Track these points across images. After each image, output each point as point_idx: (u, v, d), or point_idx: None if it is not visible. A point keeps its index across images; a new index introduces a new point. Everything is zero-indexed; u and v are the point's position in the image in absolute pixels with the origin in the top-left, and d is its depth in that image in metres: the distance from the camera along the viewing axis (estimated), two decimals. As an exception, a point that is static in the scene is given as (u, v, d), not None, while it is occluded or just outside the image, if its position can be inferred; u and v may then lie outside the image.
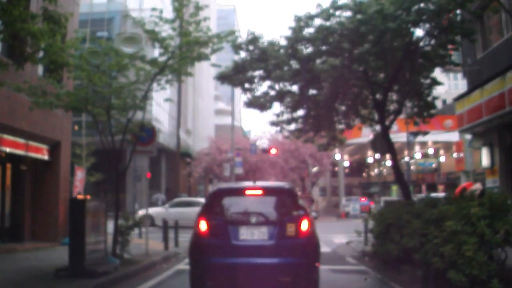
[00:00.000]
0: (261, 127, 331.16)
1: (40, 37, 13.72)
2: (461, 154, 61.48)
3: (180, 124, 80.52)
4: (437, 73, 25.16)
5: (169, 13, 19.15)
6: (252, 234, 11.56)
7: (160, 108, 68.42)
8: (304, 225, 11.69)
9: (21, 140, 23.08)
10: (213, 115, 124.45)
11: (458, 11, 20.34)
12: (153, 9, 18.15)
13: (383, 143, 23.34)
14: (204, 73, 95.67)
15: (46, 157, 25.22)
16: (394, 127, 23.09)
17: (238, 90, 35.83)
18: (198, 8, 18.45)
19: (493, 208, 11.45)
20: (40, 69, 22.91)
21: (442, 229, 11.81)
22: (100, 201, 17.38)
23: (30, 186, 24.90)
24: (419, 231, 13.39)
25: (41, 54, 16.45)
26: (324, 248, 19.34)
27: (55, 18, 13.32)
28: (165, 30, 18.35)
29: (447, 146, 71.15)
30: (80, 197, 22.38)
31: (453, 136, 60.89)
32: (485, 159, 25.70)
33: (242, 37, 22.74)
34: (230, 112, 70.49)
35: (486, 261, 10.81)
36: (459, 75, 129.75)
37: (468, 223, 11.24)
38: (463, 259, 10.89)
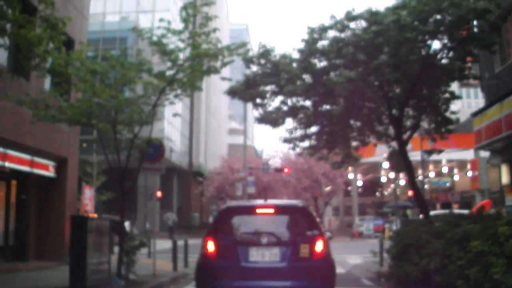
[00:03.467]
0: (273, 146, 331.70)
1: (37, 43, 13.11)
2: (476, 173, 60.92)
3: (193, 143, 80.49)
4: (454, 90, 24.50)
5: (179, 25, 18.56)
6: (263, 256, 10.89)
7: (172, 127, 68.43)
8: (319, 246, 11.02)
9: (26, 156, 22.48)
10: (226, 134, 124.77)
11: (475, 23, 19.75)
12: (161, 20, 17.58)
13: (399, 160, 22.71)
14: (217, 92, 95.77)
15: (52, 174, 24.66)
16: (408, 145, 22.44)
17: (250, 109, 35.37)
18: (207, 18, 17.85)
19: (522, 227, 10.71)
20: (47, 82, 22.37)
21: (466, 249, 11.15)
22: (104, 219, 16.78)
23: (35, 204, 24.29)
24: (440, 252, 12.72)
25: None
26: (338, 269, 18.58)
27: (51, 22, 12.68)
28: (173, 42, 17.78)
29: (462, 165, 70.64)
30: (88, 215, 21.82)
31: (468, 154, 60.38)
32: (504, 176, 25.01)
33: (254, 51, 22.22)
34: (242, 131, 70.10)
35: (516, 284, 10.07)
36: (472, 93, 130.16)
37: (495, 243, 10.55)
38: (490, 282, 10.22)
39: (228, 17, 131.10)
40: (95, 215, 24.97)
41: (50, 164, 24.48)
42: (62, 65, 15.57)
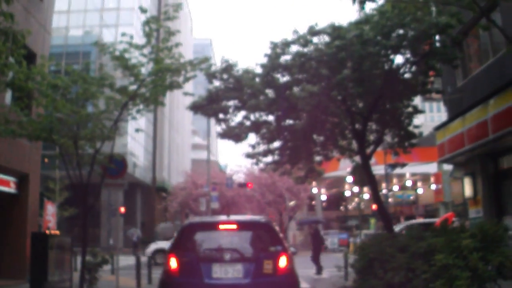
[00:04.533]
0: (237, 161, 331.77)
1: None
2: (440, 186, 61.37)
3: (156, 158, 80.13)
4: (417, 104, 24.60)
5: (142, 40, 18.41)
6: (226, 272, 10.77)
7: (135, 142, 68.11)
8: (283, 262, 10.93)
9: (-15, 173, 22.10)
10: (190, 149, 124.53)
11: (437, 37, 19.88)
12: (123, 34, 17.45)
13: (363, 174, 22.72)
14: (181, 107, 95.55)
15: (13, 190, 24.32)
16: (372, 159, 22.49)
17: (213, 125, 35.25)
18: (170, 33, 17.73)
19: (485, 240, 10.75)
20: (8, 96, 22.05)
21: (431, 263, 11.16)
22: (65, 236, 16.52)
23: (-4, 220, 23.86)
24: (405, 266, 12.69)
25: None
26: (303, 284, 18.54)
27: (9, 34, 12.47)
28: (136, 57, 17.64)
29: (425, 178, 71.04)
30: (48, 231, 21.47)
31: (431, 168, 60.75)
32: (467, 189, 25.09)
33: (218, 66, 22.13)
34: (206, 146, 69.96)
35: (480, 297, 10.08)
36: (435, 107, 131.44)
37: (459, 256, 10.57)
38: (455, 295, 10.14)
39: (192, 32, 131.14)
40: (57, 232, 24.49)
41: (11, 180, 24.14)
42: (22, 79, 15.34)
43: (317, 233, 35.39)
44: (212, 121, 26.52)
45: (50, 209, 32.06)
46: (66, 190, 44.46)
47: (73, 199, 39.32)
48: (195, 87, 75.09)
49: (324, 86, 19.14)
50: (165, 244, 40.51)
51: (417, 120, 25.82)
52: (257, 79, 20.95)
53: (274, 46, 20.48)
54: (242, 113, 22.33)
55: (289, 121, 22.24)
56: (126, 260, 33.04)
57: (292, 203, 73.65)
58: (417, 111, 22.27)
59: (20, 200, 24.70)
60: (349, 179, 52.99)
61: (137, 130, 38.45)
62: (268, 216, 53.35)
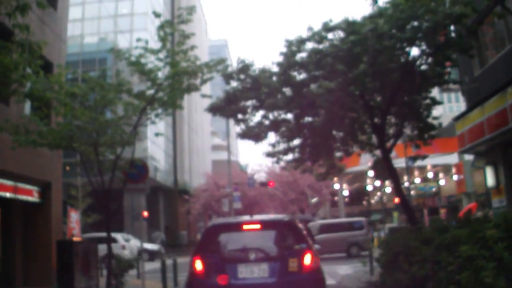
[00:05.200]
0: (258, 160, 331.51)
1: (13, 68, 12.99)
2: (461, 176, 60.98)
3: (177, 161, 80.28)
4: (435, 95, 24.49)
5: (157, 44, 18.44)
6: (252, 272, 10.77)
7: (155, 146, 68.27)
8: (307, 259, 10.92)
9: (9, 183, 22.21)
10: (210, 151, 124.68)
11: (452, 28, 19.79)
12: (138, 40, 17.50)
13: (384, 168, 22.67)
14: (199, 109, 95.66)
15: (36, 199, 24.41)
16: (393, 153, 22.45)
17: (233, 125, 35.24)
18: (184, 36, 17.76)
19: (510, 229, 10.68)
20: (27, 107, 22.17)
21: (456, 254, 11.09)
22: (90, 242, 16.58)
23: (20, 230, 24.00)
24: (430, 258, 12.64)
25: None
26: (329, 281, 18.52)
27: (25, 45, 12.57)
28: (152, 62, 17.67)
29: (447, 169, 70.59)
30: (75, 239, 21.57)
31: (452, 158, 60.40)
32: (490, 179, 24.92)
33: (234, 66, 22.17)
34: (226, 147, 69.97)
35: (507, 287, 10.01)
36: (453, 98, 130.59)
37: (484, 246, 10.50)
38: (482, 286, 10.13)
39: (207, 34, 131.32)
40: (80, 239, 24.58)
41: (34, 189, 24.25)
42: (40, 90, 15.43)
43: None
44: (231, 121, 26.57)
45: (74, 217, 32.18)
46: (88, 196, 44.68)
47: (95, 205, 39.42)
48: (213, 88, 75.01)
49: (341, 81, 19.13)
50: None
51: (436, 111, 25.76)
52: (274, 78, 20.97)
53: (290, 44, 20.50)
54: (261, 112, 22.36)
55: (308, 118, 22.24)
56: (152, 264, 33.16)
57: (314, 200, 73.68)
58: (435, 102, 22.21)
59: (43, 208, 24.78)
60: (371, 173, 52.84)
61: (156, 134, 38.49)
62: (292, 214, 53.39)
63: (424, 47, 19.33)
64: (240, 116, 22.50)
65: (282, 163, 26.22)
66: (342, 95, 19.31)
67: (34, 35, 13.41)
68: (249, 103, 22.08)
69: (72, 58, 54.11)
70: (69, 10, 30.23)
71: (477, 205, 34.08)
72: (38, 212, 24.64)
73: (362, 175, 70.95)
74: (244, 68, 21.31)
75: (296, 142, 23.63)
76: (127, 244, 43.82)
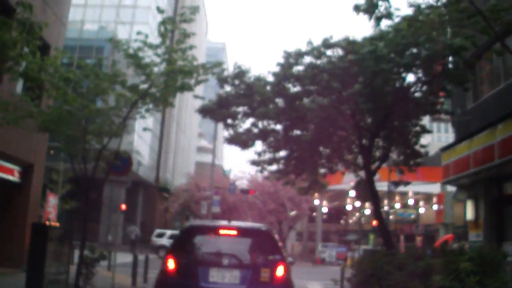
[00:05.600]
0: (241, 167, 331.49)
1: (11, 46, 12.93)
2: (442, 206, 61.21)
3: (161, 158, 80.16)
4: (425, 123, 24.62)
5: (156, 39, 18.42)
6: (223, 277, 10.76)
7: (141, 141, 68.13)
8: (280, 271, 10.93)
9: (-9, 160, 22.09)
10: (195, 152, 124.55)
11: (451, 59, 19.89)
12: (138, 33, 17.48)
13: (366, 189, 22.74)
14: (189, 109, 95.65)
15: (16, 179, 24.24)
16: (376, 175, 22.55)
17: (221, 129, 35.27)
18: (185, 35, 17.75)
19: (484, 264, 10.73)
20: (19, 86, 22.06)
21: (428, 283, 11.18)
22: (65, 229, 16.51)
23: (-3, 209, 23.83)
24: (402, 284, 12.69)
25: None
26: (299, 295, 18.51)
27: (26, 24, 12.53)
28: (149, 56, 17.64)
29: (428, 198, 70.77)
30: (49, 223, 21.45)
31: (435, 188, 60.57)
32: (469, 212, 25.01)
33: (230, 71, 22.21)
34: (211, 150, 69.97)
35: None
36: (443, 128, 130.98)
37: (456, 278, 10.54)
38: (450, 317, 10.16)
39: (206, 35, 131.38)
40: (57, 224, 24.45)
41: (16, 169, 24.10)
42: (35, 70, 15.37)
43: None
44: (220, 125, 26.59)
45: (52, 201, 32.09)
46: (69, 183, 44.43)
47: (75, 192, 39.23)
48: (205, 90, 75.03)
49: (335, 99, 19.24)
50: None
51: (424, 139, 25.88)
52: (268, 87, 21.04)
53: (288, 55, 20.57)
54: (251, 120, 22.45)
55: (297, 132, 22.33)
56: (123, 258, 33.04)
57: (293, 213, 73.61)
58: (425, 130, 22.34)
59: (23, 189, 24.63)
60: (352, 193, 52.85)
61: (144, 129, 38.51)
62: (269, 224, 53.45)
63: (420, 74, 19.45)
64: (229, 121, 22.55)
65: (265, 173, 26.27)
66: (333, 112, 19.40)
67: (36, 15, 13.35)
68: (241, 109, 22.14)
69: (70, 43, 53.90)
70: (73, -6, 30.20)
71: (454, 237, 34.24)
72: (17, 192, 24.46)
73: (343, 194, 70.91)
74: (240, 73, 21.37)
75: (282, 153, 23.73)
76: None
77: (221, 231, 11.86)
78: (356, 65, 18.27)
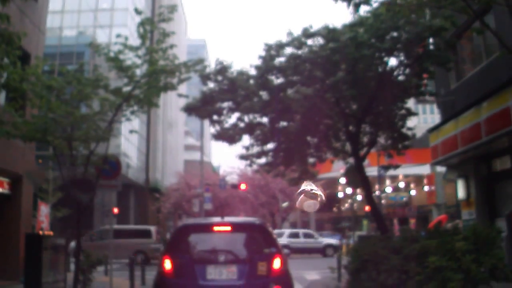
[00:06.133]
0: (230, 162, 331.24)
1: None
2: (433, 187, 61.39)
3: (149, 159, 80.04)
4: (410, 106, 24.66)
5: (136, 41, 18.37)
6: (221, 274, 10.78)
7: (128, 143, 67.99)
8: (277, 264, 10.95)
9: (-21, 174, 21.98)
10: (183, 150, 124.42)
11: (431, 40, 19.94)
12: (118, 36, 17.42)
13: (356, 176, 22.78)
14: (174, 108, 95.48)
15: (6, 191, 24.13)
16: (365, 161, 22.59)
17: (207, 126, 35.20)
18: (164, 35, 17.71)
19: (478, 242, 10.80)
20: (2, 97, 21.95)
21: (424, 265, 11.18)
22: (59, 237, 16.48)
23: (-11, 221, 23.71)
24: (399, 268, 12.70)
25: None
26: (296, 286, 18.53)
27: (5, 35, 12.49)
28: (130, 58, 17.60)
29: (418, 180, 70.99)
30: (42, 232, 21.39)
31: (425, 169, 60.76)
32: (460, 191, 25.14)
33: (212, 67, 22.18)
34: (199, 147, 69.83)
35: (473, 299, 10.13)
36: (428, 109, 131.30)
37: (452, 258, 10.61)
38: (448, 297, 10.20)
39: (186, 33, 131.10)
40: (51, 233, 24.37)
41: (5, 180, 24.00)
42: (16, 80, 15.31)
43: None
44: (206, 122, 26.56)
45: (44, 210, 31.94)
46: (59, 190, 44.28)
47: (66, 199, 39.11)
48: (189, 88, 75.01)
49: (318, 88, 19.23)
50: None
51: (411, 122, 25.90)
52: (252, 81, 21.03)
53: (269, 48, 20.56)
54: (236, 114, 22.43)
55: (283, 123, 22.31)
56: (120, 260, 32.99)
57: (285, 204, 73.68)
58: (410, 113, 22.37)
59: (13, 201, 24.50)
60: (343, 180, 52.94)
61: (131, 132, 38.40)
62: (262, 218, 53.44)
63: (402, 58, 19.50)
64: (215, 117, 22.52)
65: (255, 166, 26.26)
66: (318, 101, 19.41)
67: (14, 25, 13.30)
68: (225, 104, 22.12)
69: (50, 50, 53.72)
70: (49, 1, 30.03)
71: (447, 217, 34.35)
72: (7, 204, 24.36)
73: (334, 182, 71.08)
74: (222, 69, 21.36)
75: (270, 146, 23.70)
76: None
77: (215, 228, 11.87)
78: (337, 52, 18.27)
